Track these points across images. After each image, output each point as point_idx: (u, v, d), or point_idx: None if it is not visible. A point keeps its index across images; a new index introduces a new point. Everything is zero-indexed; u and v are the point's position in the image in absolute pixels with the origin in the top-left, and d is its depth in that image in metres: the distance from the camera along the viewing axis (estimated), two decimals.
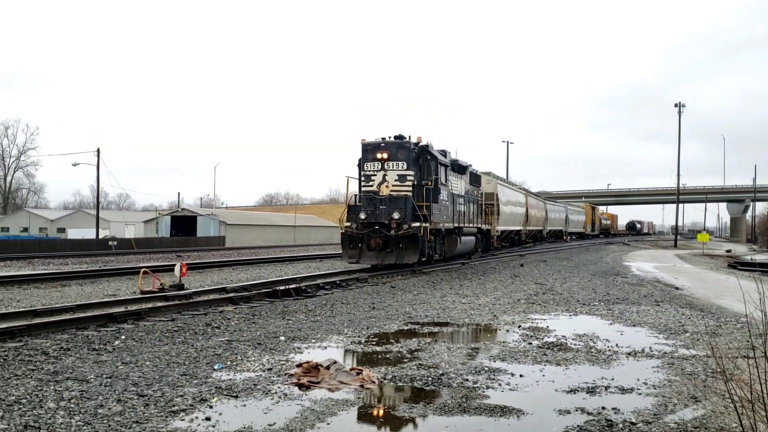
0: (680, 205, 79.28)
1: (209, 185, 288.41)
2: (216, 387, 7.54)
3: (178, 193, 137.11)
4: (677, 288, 20.92)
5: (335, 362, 8.41)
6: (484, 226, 34.10)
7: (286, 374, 8.20)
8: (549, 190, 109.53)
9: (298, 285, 17.67)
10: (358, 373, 8.07)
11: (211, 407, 6.80)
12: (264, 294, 16.46)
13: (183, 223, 76.45)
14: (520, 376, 8.41)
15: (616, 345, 10.58)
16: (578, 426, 6.35)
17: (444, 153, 26.55)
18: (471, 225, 30.68)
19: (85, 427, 6.03)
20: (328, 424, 6.45)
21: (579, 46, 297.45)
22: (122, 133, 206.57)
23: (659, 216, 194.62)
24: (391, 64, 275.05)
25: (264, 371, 8.40)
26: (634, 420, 6.53)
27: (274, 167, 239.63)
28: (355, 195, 24.09)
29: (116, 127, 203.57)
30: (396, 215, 22.30)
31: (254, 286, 17.69)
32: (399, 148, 23.30)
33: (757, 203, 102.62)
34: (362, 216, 22.92)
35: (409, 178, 23.08)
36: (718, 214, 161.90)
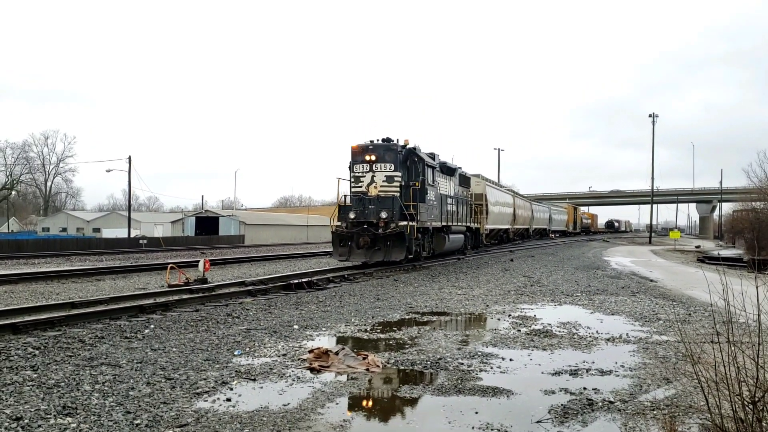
0: (654, 206, 79.15)
1: (230, 188, 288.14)
2: (236, 371, 7.55)
3: (202, 196, 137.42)
4: (652, 280, 20.88)
5: (344, 348, 8.41)
6: (473, 225, 33.31)
7: (299, 359, 8.20)
8: (535, 193, 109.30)
9: (310, 279, 17.63)
10: (364, 358, 8.07)
11: (231, 389, 6.81)
12: (279, 287, 16.44)
13: (206, 223, 76.46)
14: (510, 360, 8.41)
15: (597, 332, 10.57)
16: (562, 405, 6.34)
17: (432, 156, 25.73)
18: (460, 224, 29.85)
19: (117, 408, 6.04)
20: (337, 404, 6.45)
21: (561, 63, 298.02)
22: (151, 140, 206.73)
23: (635, 215, 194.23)
24: (398, 78, 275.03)
25: (279, 356, 8.41)
26: (612, 399, 6.53)
27: (289, 171, 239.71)
28: (345, 195, 23.28)
29: (146, 135, 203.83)
30: (384, 214, 21.56)
31: (270, 280, 17.66)
32: (387, 150, 22.49)
33: (724, 204, 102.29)
34: (351, 215, 22.13)
35: (396, 179, 22.27)
36: (688, 214, 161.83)
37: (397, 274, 21.41)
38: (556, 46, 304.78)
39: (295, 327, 10.74)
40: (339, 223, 22.46)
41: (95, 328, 10.34)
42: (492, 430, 5.68)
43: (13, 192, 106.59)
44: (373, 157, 22.26)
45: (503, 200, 43.54)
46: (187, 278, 17.22)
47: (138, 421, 5.68)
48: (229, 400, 6.41)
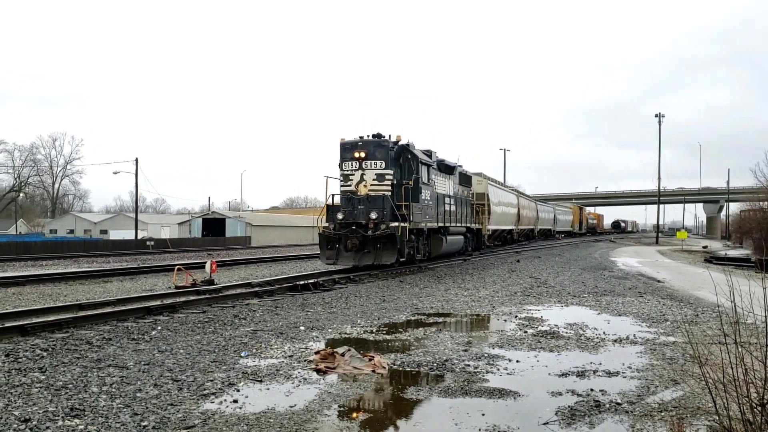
0: (661, 206, 78.95)
1: (237, 190, 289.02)
2: (243, 372, 7.56)
3: (209, 197, 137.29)
4: (659, 281, 20.81)
5: (349, 349, 8.40)
6: (474, 226, 31.86)
7: (305, 360, 8.21)
8: (540, 193, 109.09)
9: (316, 280, 17.62)
10: (370, 360, 8.06)
11: (238, 390, 6.82)
12: (286, 288, 16.45)
13: (213, 225, 76.57)
14: (517, 361, 8.39)
15: (604, 333, 10.54)
16: (569, 406, 6.32)
17: (428, 153, 24.37)
18: (459, 225, 28.41)
19: (125, 410, 6.05)
20: (343, 405, 6.45)
21: (559, 64, 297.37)
22: (158, 142, 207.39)
23: (642, 215, 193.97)
24: (400, 78, 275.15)
25: (286, 358, 8.41)
26: (619, 401, 6.51)
27: (295, 173, 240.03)
28: (333, 195, 21.96)
29: (153, 137, 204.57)
30: (373, 215, 20.32)
31: (277, 281, 17.68)
32: (377, 146, 21.12)
33: (731, 204, 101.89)
34: (339, 216, 20.88)
35: (387, 177, 20.98)
36: (695, 214, 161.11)
37: (402, 275, 21.35)
38: (555, 47, 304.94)
39: (302, 328, 10.75)
40: (326, 224, 21.37)
41: (103, 329, 10.37)
42: (499, 431, 5.67)
43: (21, 194, 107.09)
44: (363, 154, 21.06)
45: (507, 200, 42.56)
46: (194, 280, 17.25)
47: (145, 423, 5.69)
48: (236, 401, 6.42)
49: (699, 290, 17.39)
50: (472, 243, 32.47)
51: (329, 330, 10.69)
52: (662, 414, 6.05)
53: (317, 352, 8.38)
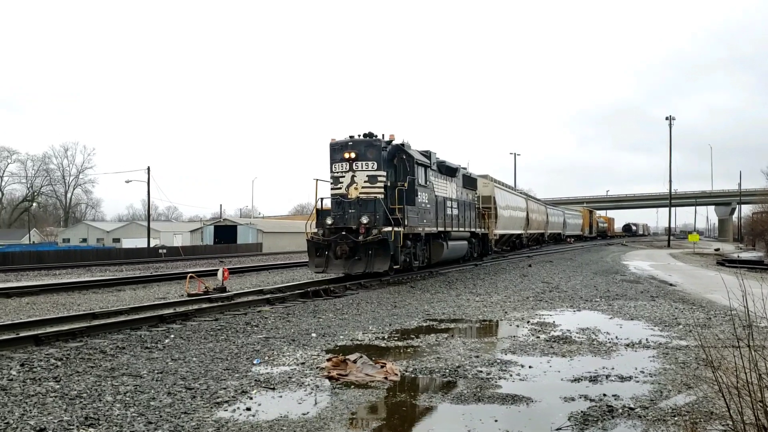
0: (672, 209, 78.60)
1: (248, 197, 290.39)
2: (255, 380, 7.58)
3: (220, 204, 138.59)
4: (671, 284, 20.70)
5: (361, 356, 8.40)
6: (479, 230, 30.25)
7: (317, 368, 8.21)
8: (550, 197, 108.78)
9: (327, 286, 17.64)
10: (382, 366, 8.06)
11: (251, 398, 6.83)
12: (297, 295, 16.47)
13: (225, 232, 76.90)
14: (529, 367, 8.37)
15: (616, 337, 10.50)
16: (582, 412, 6.30)
17: (427, 154, 22.87)
18: (462, 229, 26.85)
19: (139, 418, 6.08)
20: (356, 412, 6.46)
21: (563, 68, 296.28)
22: (170, 150, 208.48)
23: (653, 218, 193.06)
24: (408, 81, 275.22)
25: (298, 365, 8.42)
26: (632, 405, 6.48)
27: (305, 179, 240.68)
28: (323, 198, 20.71)
29: (164, 145, 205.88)
30: (365, 219, 19.04)
31: (288, 288, 17.70)
32: (368, 146, 19.80)
33: (743, 206, 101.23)
34: (329, 221, 19.71)
35: (380, 179, 19.63)
36: (707, 216, 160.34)
37: (414, 281, 21.30)
38: (559, 51, 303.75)
39: (313, 335, 10.76)
40: (315, 230, 20.24)
41: (116, 338, 10.42)
42: None
43: (34, 204, 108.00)
44: (353, 155, 19.74)
45: (515, 203, 41.33)
46: (206, 287, 17.31)
47: None
48: (249, 409, 6.44)
49: (711, 293, 17.28)
50: (478, 248, 31.11)
51: (341, 337, 10.69)
52: (675, 419, 6.02)
53: (329, 359, 8.39)
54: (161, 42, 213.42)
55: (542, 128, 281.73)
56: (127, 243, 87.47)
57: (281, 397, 6.94)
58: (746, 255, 43.63)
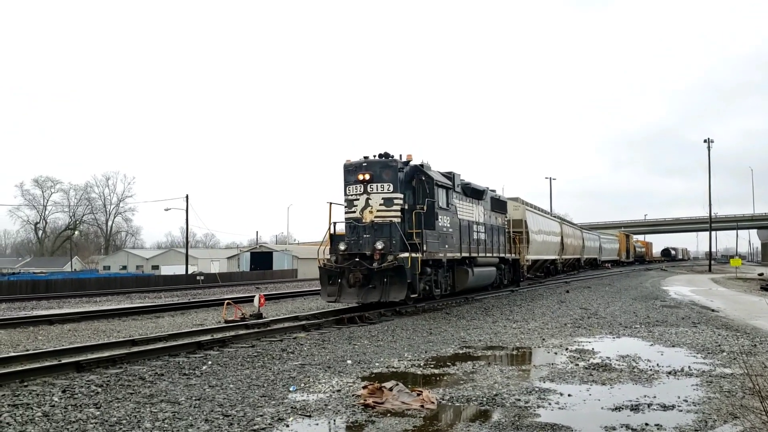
0: (713, 233, 76.96)
1: (283, 223, 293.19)
2: (291, 407, 7.55)
3: (256, 231, 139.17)
4: (713, 310, 20.17)
5: (397, 384, 8.33)
6: (509, 256, 28.89)
7: (353, 395, 8.16)
8: (587, 222, 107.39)
9: (361, 313, 17.57)
10: (418, 394, 7.97)
11: (287, 426, 6.81)
12: (332, 321, 16.47)
13: (261, 258, 77.54)
14: (568, 395, 8.20)
15: (657, 365, 10.25)
16: None
17: (450, 175, 21.84)
18: (490, 255, 25.52)
19: None
20: None
21: (597, 91, 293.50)
22: (207, 178, 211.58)
23: (693, 242, 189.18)
24: (437, 103, 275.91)
25: (334, 392, 8.38)
26: None
27: (337, 205, 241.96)
28: (335, 223, 19.71)
29: (202, 173, 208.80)
30: (379, 245, 17.93)
31: (323, 314, 17.72)
32: (384, 167, 18.77)
33: None
34: (341, 247, 18.70)
35: (396, 201, 18.63)
36: (749, 240, 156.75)
37: (449, 307, 21.12)
38: (589, 75, 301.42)
39: (349, 362, 10.72)
40: (328, 256, 19.24)
41: (155, 365, 10.52)
42: None
43: (76, 232, 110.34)
44: (368, 176, 18.72)
45: (548, 228, 40.07)
46: (243, 314, 17.41)
47: None
48: None
49: (756, 319, 16.80)
50: (509, 275, 29.71)
51: (376, 364, 10.63)
52: None
53: (365, 387, 8.33)
54: (199, 74, 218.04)
55: (574, 152, 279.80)
56: (166, 270, 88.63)
57: (317, 424, 6.90)
58: None
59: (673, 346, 12.44)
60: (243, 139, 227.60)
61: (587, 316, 18.22)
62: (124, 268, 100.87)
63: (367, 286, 17.98)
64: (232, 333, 14.17)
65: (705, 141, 66.34)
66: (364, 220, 18.71)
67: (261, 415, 7.17)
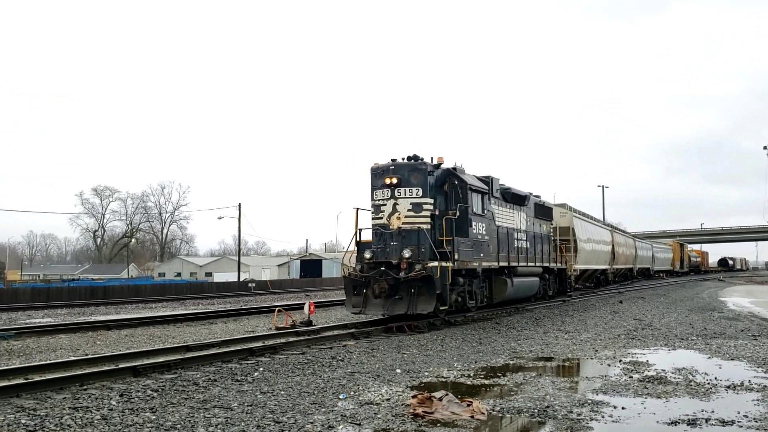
0: None
1: (333, 231, 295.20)
2: (341, 415, 7.57)
3: (306, 239, 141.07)
4: None
5: (447, 394, 8.27)
6: (555, 265, 27.48)
7: (402, 404, 8.13)
8: (640, 230, 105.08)
9: (411, 322, 17.41)
10: (468, 405, 7.90)
11: None
12: (381, 330, 16.46)
13: (310, 266, 78.36)
14: (622, 408, 8.00)
15: (715, 378, 9.92)
16: None
17: (487, 179, 20.59)
18: (532, 264, 24.24)
19: None
20: None
21: (646, 99, 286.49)
22: (259, 186, 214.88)
23: (752, 252, 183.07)
24: (486, 109, 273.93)
25: (383, 401, 8.37)
26: None
27: None
28: (361, 230, 18.77)
29: (254, 181, 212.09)
30: (407, 253, 16.83)
31: (372, 323, 17.70)
32: (412, 171, 17.69)
33: None
34: (367, 255, 17.64)
35: (426, 207, 17.53)
36: None
37: (499, 317, 20.88)
38: (637, 82, 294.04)
39: (398, 371, 10.69)
40: (353, 265, 18.21)
41: (208, 371, 10.68)
42: None
43: (133, 240, 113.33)
44: (395, 180, 17.63)
45: (598, 236, 38.34)
46: (293, 321, 17.55)
47: None
48: None
49: None
50: (554, 285, 28.25)
51: (425, 373, 10.58)
52: None
53: (414, 396, 8.29)
54: (247, 85, 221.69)
55: (624, 160, 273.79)
56: (219, 277, 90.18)
57: None
58: None
59: (731, 359, 12.03)
60: (294, 147, 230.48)
61: (641, 327, 17.78)
62: (179, 275, 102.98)
63: (393, 296, 16.93)
64: (283, 340, 14.30)
65: (765, 148, 64.28)
66: (391, 227, 17.67)
67: (311, 422, 7.20)
